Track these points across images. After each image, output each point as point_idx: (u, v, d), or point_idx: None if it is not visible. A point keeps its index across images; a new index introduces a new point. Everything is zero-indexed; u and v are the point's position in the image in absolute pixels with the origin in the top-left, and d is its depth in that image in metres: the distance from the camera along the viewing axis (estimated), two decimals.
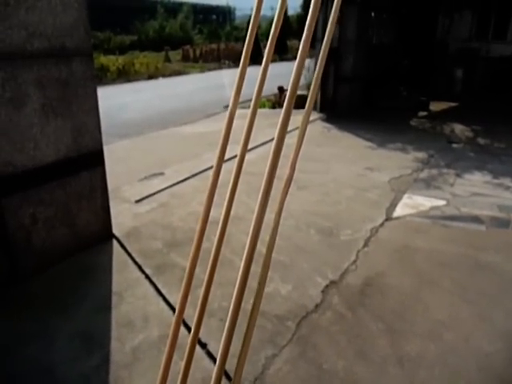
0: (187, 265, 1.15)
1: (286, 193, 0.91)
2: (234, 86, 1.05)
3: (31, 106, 2.48)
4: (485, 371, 1.97)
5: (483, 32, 10.15)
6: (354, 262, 2.90)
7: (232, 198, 1.07)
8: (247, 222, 3.43)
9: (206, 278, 1.10)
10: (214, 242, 1.10)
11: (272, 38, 0.97)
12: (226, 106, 10.00)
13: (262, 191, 0.90)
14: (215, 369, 0.93)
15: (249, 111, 1.04)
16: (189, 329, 2.23)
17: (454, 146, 6.05)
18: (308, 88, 9.37)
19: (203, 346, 2.11)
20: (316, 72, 0.90)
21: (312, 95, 0.90)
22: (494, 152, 5.68)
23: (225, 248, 3.15)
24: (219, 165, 1.07)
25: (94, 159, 2.95)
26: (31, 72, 2.44)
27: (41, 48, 2.46)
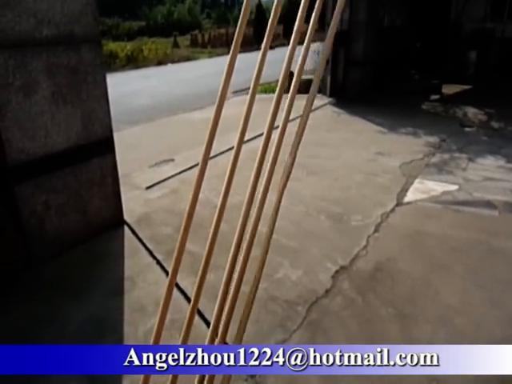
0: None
1: (287, 179, 0.91)
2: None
3: (41, 93, 2.49)
4: None
5: (499, 11, 9.88)
6: (365, 247, 2.89)
7: (229, 186, 1.07)
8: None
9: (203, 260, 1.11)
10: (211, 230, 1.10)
11: (271, 25, 0.96)
12: (235, 92, 9.94)
13: (265, 176, 0.90)
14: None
15: (248, 97, 1.04)
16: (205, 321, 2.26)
17: (467, 129, 5.95)
18: None
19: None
20: (320, 57, 0.89)
21: (316, 80, 0.89)
22: (508, 136, 5.57)
23: (233, 233, 3.17)
24: (238, 150, 1.07)
25: (105, 146, 2.97)
26: (40, 59, 2.45)
27: (50, 35, 2.46)
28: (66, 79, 2.61)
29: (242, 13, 0.96)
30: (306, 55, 0.93)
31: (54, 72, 2.53)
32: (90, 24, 2.68)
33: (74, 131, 2.72)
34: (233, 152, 1.04)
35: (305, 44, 0.93)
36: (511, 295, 2.40)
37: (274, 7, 0.96)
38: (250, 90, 1.00)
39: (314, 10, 0.84)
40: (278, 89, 0.87)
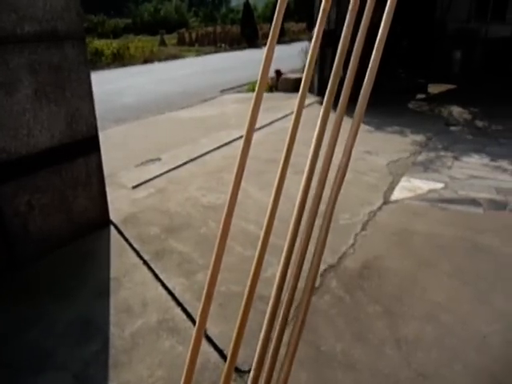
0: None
1: (341, 182, 0.88)
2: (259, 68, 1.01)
3: (24, 91, 2.44)
4: (482, 353, 1.99)
5: (482, 12, 10.00)
6: (352, 245, 2.90)
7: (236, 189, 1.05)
8: (245, 207, 3.42)
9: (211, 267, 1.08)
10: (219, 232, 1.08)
11: (276, 21, 0.95)
12: (223, 91, 9.91)
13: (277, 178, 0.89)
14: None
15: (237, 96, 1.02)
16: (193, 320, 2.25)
17: (452, 128, 6.02)
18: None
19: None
20: (309, 56, 0.88)
21: (306, 79, 0.88)
22: (492, 134, 5.65)
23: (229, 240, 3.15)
24: (246, 148, 1.04)
25: (90, 145, 2.92)
26: (22, 56, 2.40)
27: (32, 32, 2.41)
28: (49, 77, 2.56)
29: (278, 6, 0.95)
30: (271, 55, 0.93)
31: (37, 69, 2.48)
32: (74, 20, 2.64)
33: (58, 130, 2.68)
34: (240, 148, 1.02)
35: (268, 45, 0.93)
36: (496, 292, 2.42)
37: (278, 4, 0.95)
38: (257, 87, 0.98)
39: (276, 11, 0.84)
40: (257, 88, 0.85)
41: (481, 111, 6.90)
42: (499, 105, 7.36)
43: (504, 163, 4.46)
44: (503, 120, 6.31)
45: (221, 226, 1.06)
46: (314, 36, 0.83)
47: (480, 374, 1.88)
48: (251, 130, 1.02)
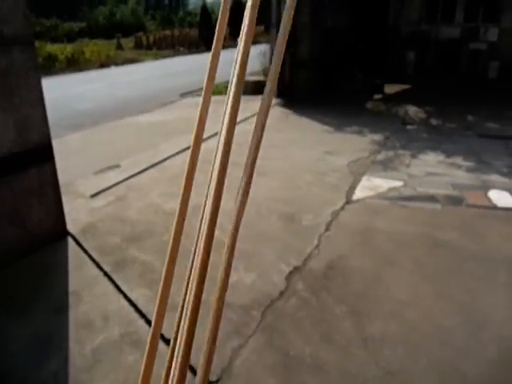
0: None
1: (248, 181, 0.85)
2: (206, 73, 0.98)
3: None
4: (446, 345, 2.04)
5: (432, 15, 10.40)
6: (317, 246, 2.91)
7: (189, 188, 1.01)
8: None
9: (164, 271, 1.03)
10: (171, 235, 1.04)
11: (220, 26, 0.92)
12: (183, 94, 9.79)
13: (215, 180, 0.86)
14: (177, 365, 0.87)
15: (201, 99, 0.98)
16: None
17: (409, 127, 6.20)
18: (264, 74, 9.31)
19: (167, 342, 2.06)
20: (274, 57, 0.86)
21: (271, 82, 0.85)
22: (446, 132, 5.86)
23: (184, 239, 3.09)
24: (194, 155, 0.99)
25: (42, 154, 2.79)
26: None
27: None
28: None
29: (220, 11, 0.91)
30: (216, 63, 0.91)
31: None
32: (21, 24, 2.51)
33: (7, 138, 2.54)
34: (189, 153, 0.98)
35: (212, 51, 0.91)
36: (456, 285, 2.50)
37: (221, 8, 0.92)
38: (203, 92, 0.95)
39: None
40: (232, 92, 0.82)
41: (435, 110, 7.15)
42: (452, 103, 7.67)
43: (458, 160, 4.63)
44: (456, 118, 6.57)
45: (173, 228, 1.02)
46: (279, 38, 0.80)
47: (444, 367, 1.93)
48: (199, 136, 0.98)
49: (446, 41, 10.17)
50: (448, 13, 10.25)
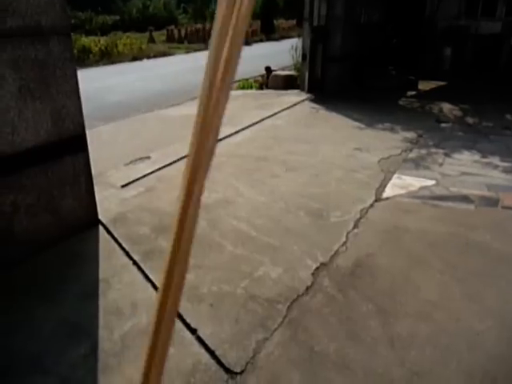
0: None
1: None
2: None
3: (7, 88, 2.37)
4: (475, 350, 1.98)
5: (472, 9, 10.04)
6: (344, 243, 2.88)
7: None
8: (236, 206, 3.38)
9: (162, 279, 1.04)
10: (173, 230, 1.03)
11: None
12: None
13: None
14: None
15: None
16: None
17: (443, 125, 6.03)
18: (296, 68, 9.23)
19: (193, 331, 2.08)
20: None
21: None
22: (482, 131, 5.67)
23: (212, 231, 3.12)
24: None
25: (77, 143, 2.86)
26: (5, 52, 2.33)
27: (15, 27, 2.34)
28: (34, 73, 2.49)
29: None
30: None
31: (21, 65, 2.42)
32: (59, 15, 2.57)
33: (44, 128, 2.61)
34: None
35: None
36: (488, 288, 2.42)
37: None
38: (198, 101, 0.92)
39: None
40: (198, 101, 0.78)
41: (471, 108, 6.93)
42: (489, 101, 7.40)
43: (495, 160, 4.47)
44: (493, 116, 6.34)
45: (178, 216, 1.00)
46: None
47: (474, 371, 1.87)
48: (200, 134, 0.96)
49: (485, 36, 9.80)
50: (489, 6, 9.87)
